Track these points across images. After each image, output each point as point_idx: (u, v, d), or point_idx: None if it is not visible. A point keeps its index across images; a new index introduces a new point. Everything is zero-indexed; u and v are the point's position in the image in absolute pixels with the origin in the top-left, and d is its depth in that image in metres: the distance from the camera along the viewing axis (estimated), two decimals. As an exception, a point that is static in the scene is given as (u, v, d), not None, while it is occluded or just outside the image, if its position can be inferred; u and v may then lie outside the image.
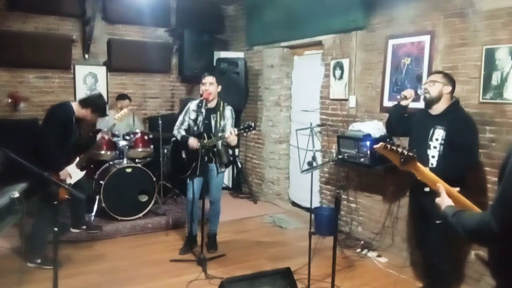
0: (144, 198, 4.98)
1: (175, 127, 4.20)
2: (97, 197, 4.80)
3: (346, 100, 4.81)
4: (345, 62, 4.79)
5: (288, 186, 6.21)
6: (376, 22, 4.43)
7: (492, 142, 3.42)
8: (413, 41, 4.03)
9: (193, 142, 3.99)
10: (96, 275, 3.74)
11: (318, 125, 5.02)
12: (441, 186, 1.81)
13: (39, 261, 3.78)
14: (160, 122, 5.42)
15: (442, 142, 3.15)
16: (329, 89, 5.04)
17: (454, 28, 3.67)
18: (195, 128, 4.10)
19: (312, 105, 5.43)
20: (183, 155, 4.16)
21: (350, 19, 4.62)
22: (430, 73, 3.62)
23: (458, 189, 1.83)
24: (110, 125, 4.48)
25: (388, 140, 1.89)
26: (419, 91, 3.32)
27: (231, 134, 3.71)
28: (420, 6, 3.96)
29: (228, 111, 4.14)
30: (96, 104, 4.04)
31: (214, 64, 6.50)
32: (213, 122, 4.06)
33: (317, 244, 4.16)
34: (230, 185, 6.76)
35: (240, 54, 6.63)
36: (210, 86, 3.99)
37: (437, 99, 3.20)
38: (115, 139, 5.04)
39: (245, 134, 3.90)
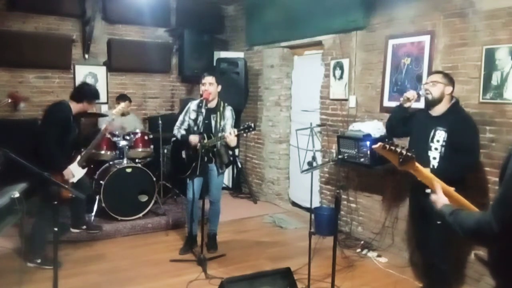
0: (144, 198, 4.98)
1: (175, 127, 4.20)
2: (97, 197, 4.80)
3: (346, 100, 4.81)
4: (345, 62, 4.79)
5: (288, 186, 6.21)
6: (376, 22, 4.43)
7: (492, 142, 3.42)
8: (413, 41, 4.03)
9: (194, 138, 3.99)
10: (96, 275, 3.74)
11: (318, 125, 5.02)
12: (437, 183, 1.82)
13: (39, 261, 3.78)
14: (160, 122, 5.42)
15: (444, 143, 3.14)
16: (329, 89, 5.04)
17: (454, 28, 3.67)
18: (195, 128, 4.10)
19: (312, 105, 5.43)
20: (183, 155, 4.16)
21: (350, 19, 4.62)
22: (430, 73, 3.62)
23: (453, 188, 1.83)
24: (109, 120, 4.44)
25: (387, 140, 1.89)
26: (420, 92, 3.31)
27: (230, 134, 3.71)
28: (420, 6, 3.96)
29: (228, 111, 4.14)
30: (88, 94, 4.04)
31: (214, 64, 6.50)
32: (213, 122, 4.06)
33: (317, 244, 4.16)
34: (230, 185, 6.76)
35: (240, 54, 6.63)
36: (209, 86, 3.99)
37: (439, 100, 3.20)
38: (115, 139, 5.04)
39: (244, 135, 3.90)
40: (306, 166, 3.68)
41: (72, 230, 4.51)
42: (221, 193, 4.38)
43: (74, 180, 4.00)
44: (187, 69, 6.47)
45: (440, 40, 3.80)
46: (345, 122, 4.80)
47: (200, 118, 4.05)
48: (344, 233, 4.79)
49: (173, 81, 6.99)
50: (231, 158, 6.11)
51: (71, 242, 4.36)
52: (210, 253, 4.19)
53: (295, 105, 6.03)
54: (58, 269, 2.53)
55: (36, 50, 5.67)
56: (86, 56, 6.19)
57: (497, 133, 3.39)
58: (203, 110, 3.94)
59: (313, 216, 4.01)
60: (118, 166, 4.87)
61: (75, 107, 3.98)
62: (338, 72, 4.89)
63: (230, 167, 6.56)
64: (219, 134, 3.93)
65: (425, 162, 3.07)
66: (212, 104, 4.07)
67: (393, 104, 4.20)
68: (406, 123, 3.43)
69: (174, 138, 4.27)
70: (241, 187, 6.72)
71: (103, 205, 4.74)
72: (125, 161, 5.00)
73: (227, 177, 6.42)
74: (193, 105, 4.19)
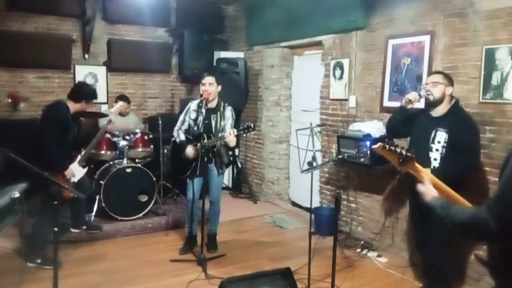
0: (144, 198, 4.98)
1: (175, 128, 4.20)
2: (97, 197, 4.80)
3: (346, 100, 4.81)
4: (345, 62, 4.79)
5: (288, 186, 6.21)
6: (376, 22, 4.43)
7: (492, 142, 3.42)
8: (413, 41, 4.03)
9: (189, 151, 3.99)
10: (96, 275, 3.74)
11: (318, 125, 5.02)
12: (425, 175, 1.82)
13: (39, 261, 3.78)
14: (160, 122, 5.42)
15: (445, 144, 3.13)
16: (329, 89, 5.04)
17: (454, 28, 3.67)
18: (195, 128, 4.10)
19: (312, 105, 5.43)
20: (183, 156, 4.16)
21: (350, 19, 4.62)
22: (430, 73, 3.61)
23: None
24: (108, 120, 4.43)
25: (387, 140, 1.89)
26: (421, 93, 3.29)
27: (230, 134, 3.70)
28: (420, 6, 3.96)
29: (229, 112, 4.14)
30: (87, 94, 4.05)
31: (214, 64, 6.50)
32: (213, 122, 4.06)
33: (317, 244, 4.16)
34: (230, 185, 6.76)
35: (240, 54, 6.63)
36: (209, 86, 3.99)
37: (440, 100, 3.20)
38: (115, 139, 5.05)
39: (244, 135, 3.90)
40: (306, 166, 3.68)
41: (72, 230, 4.52)
42: (221, 193, 4.38)
43: (75, 180, 4.00)
44: (187, 69, 6.46)
45: (440, 40, 3.80)
46: (345, 122, 4.80)
47: (200, 118, 4.05)
48: (344, 233, 4.79)
49: (173, 81, 6.99)
50: (231, 158, 6.11)
51: (71, 242, 4.36)
52: (210, 253, 4.19)
53: (295, 105, 6.03)
54: (58, 269, 2.53)
55: (36, 50, 5.67)
56: (86, 56, 6.18)
57: (497, 133, 3.39)
58: (203, 110, 3.94)
59: (313, 216, 4.01)
60: (118, 166, 4.87)
61: (73, 106, 3.97)
62: (338, 72, 4.89)
63: (230, 167, 6.56)
64: (219, 134, 3.93)
65: (426, 163, 3.07)
66: (212, 104, 4.07)
67: (393, 104, 4.22)
68: (407, 124, 3.42)
69: (173, 139, 4.27)
70: (241, 187, 6.72)
71: (103, 205, 4.74)
72: (125, 161, 5.00)
73: (227, 177, 6.42)
74: (193, 105, 4.19)
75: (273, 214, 5.62)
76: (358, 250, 4.36)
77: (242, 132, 3.72)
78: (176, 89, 7.04)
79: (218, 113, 4.09)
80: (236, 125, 4.12)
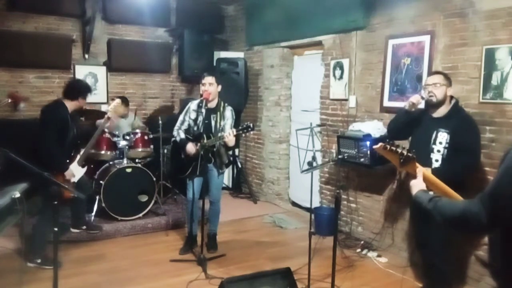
0: (144, 198, 4.98)
1: (175, 127, 4.20)
2: (97, 197, 4.80)
3: (346, 100, 4.81)
4: (345, 62, 4.79)
5: (288, 186, 6.21)
6: (376, 22, 4.43)
7: (492, 142, 3.42)
8: (413, 41, 4.03)
9: (190, 148, 3.99)
10: (96, 275, 3.74)
11: (318, 125, 5.02)
12: (420, 170, 1.83)
13: (39, 261, 3.78)
14: (160, 122, 5.42)
15: (447, 145, 3.13)
16: (329, 89, 5.04)
17: (454, 28, 3.67)
18: (195, 128, 4.10)
19: (312, 105, 5.43)
20: (183, 155, 4.16)
21: (350, 19, 4.62)
22: (429, 73, 3.60)
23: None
24: (106, 117, 4.42)
25: (387, 140, 1.89)
26: (423, 95, 3.26)
27: (229, 134, 3.70)
28: (420, 6, 3.96)
29: (229, 112, 4.14)
30: (82, 90, 4.05)
31: (214, 64, 6.50)
32: (213, 122, 4.06)
33: (317, 244, 4.16)
34: (230, 185, 6.76)
35: (240, 54, 6.63)
36: (209, 86, 3.98)
37: (443, 101, 3.19)
38: (115, 139, 5.04)
39: (243, 135, 3.90)
40: (306, 166, 3.68)
41: (72, 230, 4.52)
42: (221, 193, 4.38)
43: (75, 179, 4.00)
44: (187, 69, 6.46)
45: (440, 40, 3.80)
46: (345, 122, 4.80)
47: (200, 118, 4.05)
48: (344, 233, 4.79)
49: (173, 81, 6.99)
50: (231, 158, 6.11)
51: (71, 242, 4.36)
52: (210, 253, 4.19)
53: (295, 105, 6.03)
54: (58, 269, 2.53)
55: (36, 50, 5.67)
56: (86, 56, 6.18)
57: (497, 133, 3.39)
58: (203, 110, 3.94)
59: (313, 216, 4.01)
60: (118, 166, 4.87)
61: (70, 105, 3.97)
62: (338, 72, 4.89)
63: (230, 167, 6.56)
64: (219, 134, 3.93)
65: (427, 164, 3.08)
66: (212, 104, 4.07)
67: (393, 104, 4.23)
68: (410, 126, 3.39)
69: (173, 138, 4.27)
70: (241, 187, 6.72)
71: (103, 205, 4.74)
72: (125, 161, 5.00)
73: (227, 177, 6.43)
74: (193, 105, 4.19)
75: (273, 214, 5.62)
76: (358, 250, 4.36)
77: (241, 132, 3.72)
78: (176, 89, 7.04)
79: (218, 113, 4.09)
80: (236, 125, 4.11)
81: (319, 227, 4.65)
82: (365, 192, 4.65)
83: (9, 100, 5.45)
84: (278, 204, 6.12)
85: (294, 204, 6.02)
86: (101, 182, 4.75)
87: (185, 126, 4.17)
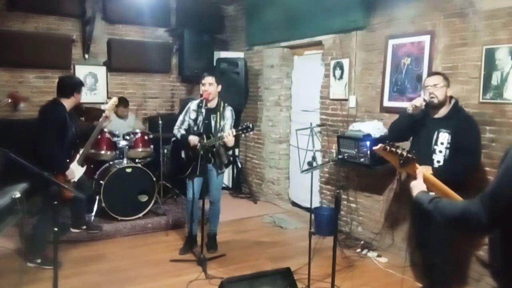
0: (144, 198, 4.98)
1: (175, 127, 4.20)
2: (97, 197, 4.80)
3: (346, 100, 4.81)
4: (345, 62, 4.79)
5: (288, 186, 6.21)
6: (376, 22, 4.43)
7: (492, 142, 3.42)
8: (413, 41, 4.03)
9: (193, 138, 3.99)
10: (96, 275, 3.74)
11: (318, 125, 5.02)
12: (420, 171, 1.84)
13: (39, 261, 3.78)
14: (160, 122, 5.42)
15: (448, 145, 3.13)
16: (329, 89, 5.04)
17: (454, 28, 3.67)
18: (195, 128, 4.10)
19: (312, 105, 5.43)
20: (183, 155, 4.16)
21: (350, 19, 4.62)
22: (429, 74, 3.59)
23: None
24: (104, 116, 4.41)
25: (387, 141, 1.89)
26: (425, 97, 3.24)
27: (229, 134, 3.70)
28: (420, 6, 3.96)
29: (228, 112, 4.14)
30: (74, 85, 4.02)
31: (214, 64, 6.50)
32: (213, 122, 4.06)
33: (317, 244, 4.16)
34: (230, 185, 6.76)
35: (240, 54, 6.63)
36: (209, 86, 3.98)
37: (444, 102, 3.19)
38: (115, 139, 5.04)
39: (243, 135, 3.90)
40: (306, 166, 3.68)
41: (72, 230, 4.52)
42: (221, 193, 4.38)
43: (75, 179, 4.00)
44: (187, 69, 6.47)
45: (440, 40, 3.80)
46: (345, 122, 4.80)
47: (200, 118, 4.05)
48: (344, 233, 4.79)
49: (173, 81, 6.99)
50: (231, 159, 6.11)
51: (71, 242, 4.36)
52: (210, 253, 4.19)
53: (295, 105, 6.03)
54: (58, 269, 2.53)
55: (36, 50, 5.68)
56: (86, 56, 6.19)
57: (497, 133, 3.39)
58: (203, 110, 3.94)
59: (313, 216, 4.01)
60: (118, 166, 4.87)
61: (67, 102, 3.95)
62: (338, 72, 4.89)
63: (230, 167, 6.56)
64: (218, 134, 3.93)
65: (428, 165, 3.07)
66: (212, 104, 4.07)
67: (393, 104, 4.23)
68: (411, 128, 3.37)
69: (174, 138, 4.27)
70: (241, 187, 6.72)
71: (103, 205, 4.74)
72: (125, 161, 5.00)
73: (227, 177, 6.43)
74: (193, 105, 4.19)
75: (273, 214, 5.62)
76: (358, 250, 4.36)
77: (241, 132, 3.71)
78: (176, 89, 7.04)
79: (218, 113, 4.09)
80: (236, 125, 4.11)
81: (319, 227, 4.65)
82: (365, 192, 4.65)
83: (9, 100, 5.46)
84: (278, 204, 6.12)
85: (294, 204, 6.02)
86: (101, 182, 4.75)
87: (185, 126, 4.17)
